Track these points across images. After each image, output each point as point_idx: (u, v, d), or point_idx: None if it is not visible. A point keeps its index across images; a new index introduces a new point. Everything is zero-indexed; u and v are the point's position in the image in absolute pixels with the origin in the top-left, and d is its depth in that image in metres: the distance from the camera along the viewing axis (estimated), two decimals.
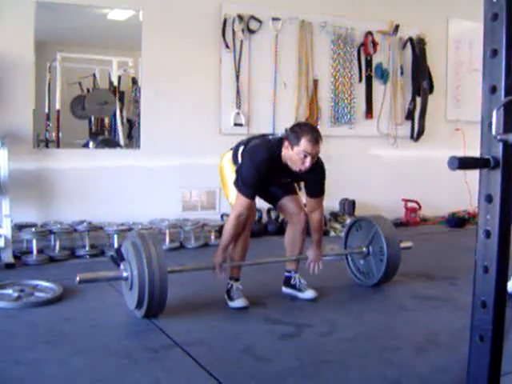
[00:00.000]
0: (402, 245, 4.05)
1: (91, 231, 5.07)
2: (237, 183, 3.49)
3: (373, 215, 4.20)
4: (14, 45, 5.09)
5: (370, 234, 3.99)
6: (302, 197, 3.96)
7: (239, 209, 3.45)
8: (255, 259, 4.01)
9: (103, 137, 6.00)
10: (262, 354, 2.85)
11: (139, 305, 3.19)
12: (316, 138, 3.36)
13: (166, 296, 3.18)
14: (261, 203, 4.16)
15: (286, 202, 3.76)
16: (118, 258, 3.26)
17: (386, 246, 3.85)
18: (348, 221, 6.16)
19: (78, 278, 3.20)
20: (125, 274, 3.25)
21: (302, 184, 3.92)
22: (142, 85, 5.76)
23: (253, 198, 3.48)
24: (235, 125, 6.01)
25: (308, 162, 3.35)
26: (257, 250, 4.96)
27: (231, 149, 3.73)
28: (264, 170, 3.43)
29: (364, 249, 4.03)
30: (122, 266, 3.26)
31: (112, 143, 6.01)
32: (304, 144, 3.32)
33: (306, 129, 3.42)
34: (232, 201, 3.60)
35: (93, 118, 6.00)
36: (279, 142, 3.50)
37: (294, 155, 3.36)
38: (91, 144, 5.86)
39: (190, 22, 5.83)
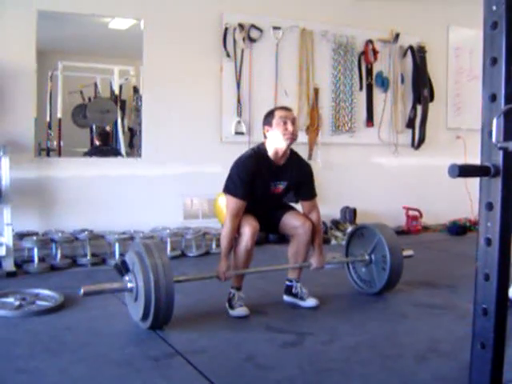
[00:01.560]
0: (404, 253, 4.03)
1: (92, 240, 5.07)
2: (226, 187, 3.55)
3: (375, 223, 4.18)
4: (16, 53, 5.11)
5: (372, 242, 3.98)
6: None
7: (232, 211, 3.48)
8: (258, 267, 4.00)
9: (104, 146, 6.03)
10: (264, 362, 2.84)
11: (145, 317, 3.16)
12: (286, 107, 3.67)
13: (172, 307, 3.15)
14: None
15: (287, 219, 3.75)
16: (123, 269, 3.24)
17: (388, 255, 3.84)
18: (349, 229, 6.17)
19: (82, 291, 3.17)
20: (130, 285, 3.21)
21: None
22: (143, 93, 5.78)
23: (244, 198, 3.49)
24: (236, 133, 6.02)
25: (289, 125, 3.51)
26: (258, 258, 4.95)
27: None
28: (251, 165, 3.51)
29: (366, 257, 4.01)
30: (126, 277, 3.24)
31: (113, 152, 6.03)
32: (277, 113, 3.57)
33: (274, 107, 3.78)
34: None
35: (94, 127, 6.02)
36: (261, 143, 3.68)
37: (276, 130, 3.53)
38: (92, 153, 5.89)
39: (191, 31, 5.85)
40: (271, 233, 3.92)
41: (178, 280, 3.34)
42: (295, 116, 3.62)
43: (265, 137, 3.63)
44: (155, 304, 3.07)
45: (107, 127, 6.15)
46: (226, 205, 3.55)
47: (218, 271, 3.55)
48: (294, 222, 3.74)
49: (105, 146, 6.04)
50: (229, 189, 3.52)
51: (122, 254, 3.41)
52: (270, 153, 3.58)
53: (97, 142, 6.03)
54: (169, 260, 3.14)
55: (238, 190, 3.48)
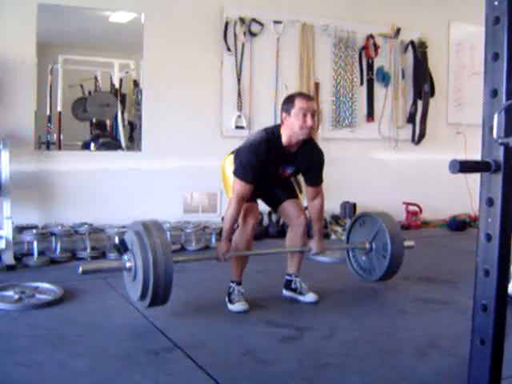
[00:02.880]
0: (405, 243, 4.02)
1: (92, 233, 5.07)
2: (235, 171, 3.48)
3: (377, 212, 4.15)
4: (16, 47, 5.10)
5: (373, 230, 3.95)
6: (303, 200, 3.96)
7: (239, 195, 3.43)
8: (258, 250, 3.96)
9: (104, 139, 6.01)
10: (263, 356, 2.84)
11: (143, 296, 3.13)
12: (308, 95, 3.59)
13: (170, 287, 3.12)
14: (261, 206, 4.17)
15: (287, 205, 3.76)
16: (122, 248, 3.21)
17: (389, 243, 3.81)
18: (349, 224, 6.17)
19: (80, 269, 3.16)
20: (128, 265, 3.19)
21: (302, 182, 3.91)
22: (143, 87, 5.77)
23: (252, 183, 3.45)
24: (236, 127, 6.02)
25: (309, 119, 3.40)
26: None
27: (232, 152, 3.73)
28: (263, 151, 3.43)
29: (367, 245, 3.99)
30: (125, 257, 3.22)
31: (112, 141, 6.02)
32: (298, 102, 3.42)
33: (296, 92, 3.62)
34: None
35: (94, 120, 6.00)
36: (277, 125, 3.58)
37: (294, 120, 3.42)
38: (92, 146, 5.87)
39: (192, 25, 5.84)
40: (271, 207, 3.89)
41: (177, 260, 3.30)
42: (316, 108, 3.51)
43: (281, 121, 3.52)
44: (153, 283, 3.04)
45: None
46: (233, 187, 3.49)
47: (218, 252, 3.53)
48: (290, 212, 3.75)
49: (103, 136, 6.01)
50: (238, 173, 3.45)
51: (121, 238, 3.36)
52: (284, 139, 3.49)
53: (95, 131, 6.00)
54: (168, 239, 3.11)
55: (248, 176, 3.42)
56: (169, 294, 3.15)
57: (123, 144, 5.97)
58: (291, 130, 3.45)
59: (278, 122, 3.65)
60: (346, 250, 4.19)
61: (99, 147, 5.87)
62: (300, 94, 3.57)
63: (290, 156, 3.56)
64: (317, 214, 3.77)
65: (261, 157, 3.42)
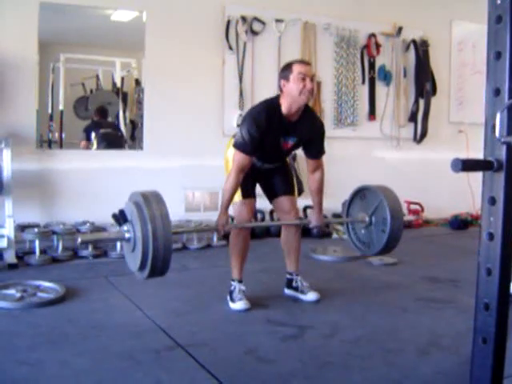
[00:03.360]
0: (405, 219, 3.94)
1: (94, 232, 5.07)
2: (236, 143, 3.48)
3: (378, 185, 4.01)
4: (18, 45, 5.11)
5: (373, 204, 3.87)
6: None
7: (238, 166, 3.43)
8: (257, 223, 3.91)
9: (105, 129, 6.02)
10: (265, 355, 2.84)
11: (142, 266, 3.06)
12: (305, 61, 3.57)
13: (170, 258, 3.06)
14: (264, 205, 4.17)
15: (282, 199, 3.77)
16: (121, 219, 3.19)
17: (389, 218, 3.73)
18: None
19: (79, 239, 3.11)
20: (127, 236, 3.12)
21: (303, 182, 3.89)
22: (145, 86, 5.77)
23: (252, 153, 3.45)
24: (238, 126, 6.00)
25: (308, 83, 3.40)
26: (259, 251, 4.98)
27: (234, 136, 3.72)
28: (263, 121, 3.42)
29: (367, 218, 3.93)
30: (124, 228, 3.15)
31: (112, 127, 6.02)
32: (296, 67, 3.42)
33: (294, 59, 3.60)
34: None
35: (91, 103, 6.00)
36: (276, 96, 3.57)
37: (293, 85, 3.40)
38: (93, 136, 5.88)
39: (194, 24, 5.84)
40: (268, 198, 3.87)
41: (176, 231, 3.24)
42: (314, 72, 3.51)
43: (280, 90, 3.51)
44: (153, 254, 2.99)
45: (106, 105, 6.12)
46: (233, 158, 3.48)
47: (218, 224, 3.49)
48: (283, 206, 3.77)
49: (103, 121, 6.01)
50: (237, 144, 3.45)
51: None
52: (284, 108, 3.47)
53: (95, 118, 5.99)
54: (167, 211, 3.08)
55: (247, 146, 3.42)
56: (168, 265, 3.08)
57: (124, 133, 5.97)
58: (291, 97, 3.44)
59: None
60: (346, 223, 4.12)
61: (97, 129, 5.89)
62: (297, 60, 3.56)
63: (291, 126, 3.53)
64: (317, 187, 3.77)
65: (261, 127, 3.41)
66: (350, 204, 4.06)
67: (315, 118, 3.73)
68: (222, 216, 3.49)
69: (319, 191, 3.79)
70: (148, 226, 2.96)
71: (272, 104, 3.51)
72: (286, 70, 3.48)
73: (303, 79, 3.39)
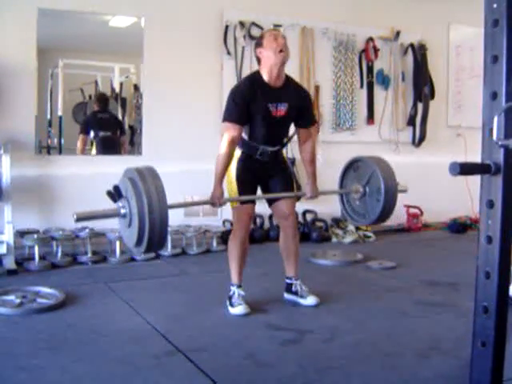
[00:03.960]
0: (399, 188, 3.92)
1: (93, 237, 5.07)
2: (223, 117, 3.54)
3: (370, 156, 4.01)
4: (17, 51, 5.11)
5: (367, 174, 3.84)
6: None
7: (228, 137, 3.47)
8: (255, 196, 3.86)
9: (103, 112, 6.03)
10: (264, 360, 2.84)
11: (139, 242, 3.04)
12: (274, 28, 3.85)
13: (166, 232, 3.07)
14: (262, 209, 4.17)
15: (281, 203, 3.76)
16: (116, 195, 3.17)
17: (383, 186, 3.69)
18: (349, 227, 6.17)
19: (75, 216, 3.12)
20: (123, 211, 3.10)
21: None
22: (143, 91, 5.78)
23: (238, 122, 3.48)
24: None
25: (280, 41, 3.53)
26: (259, 255, 4.98)
27: None
28: (245, 90, 3.52)
29: (361, 189, 3.86)
30: (120, 203, 3.13)
31: (112, 119, 6.03)
32: (267, 33, 3.63)
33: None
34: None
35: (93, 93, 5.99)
36: (255, 71, 3.69)
37: (268, 49, 3.52)
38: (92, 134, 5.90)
39: (192, 29, 5.84)
40: (267, 202, 3.87)
41: (171, 206, 3.22)
42: (283, 36, 3.60)
43: (258, 62, 3.62)
44: (149, 228, 2.97)
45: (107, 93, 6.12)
46: (222, 132, 3.54)
47: (213, 197, 3.50)
48: (281, 211, 3.76)
49: (103, 113, 5.99)
50: (224, 117, 3.52)
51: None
52: (265, 75, 3.56)
53: (95, 107, 5.97)
54: (162, 185, 3.06)
55: (232, 115, 3.48)
56: (164, 239, 3.09)
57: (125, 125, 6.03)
58: (268, 60, 3.53)
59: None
60: (340, 194, 4.08)
61: (97, 122, 5.91)
62: (267, 30, 3.85)
63: (277, 92, 3.57)
64: (309, 157, 3.78)
65: (244, 94, 3.50)
66: (343, 176, 4.01)
67: (299, 85, 3.81)
68: (216, 189, 3.50)
69: (312, 161, 3.80)
70: (144, 200, 2.93)
71: (253, 75, 3.66)
72: (258, 40, 3.64)
73: (275, 39, 3.52)
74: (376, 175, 3.75)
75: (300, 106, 3.67)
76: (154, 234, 2.99)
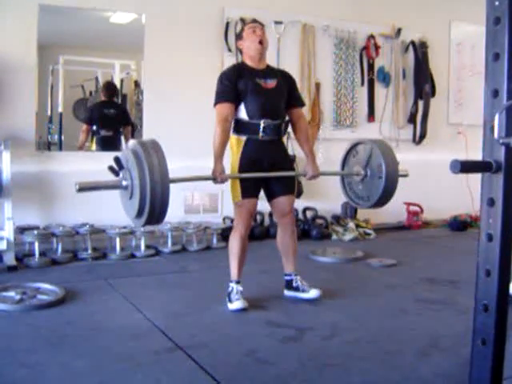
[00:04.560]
0: (400, 173, 3.90)
1: (93, 234, 5.08)
2: (214, 101, 3.72)
3: (370, 138, 3.99)
4: (17, 48, 5.11)
5: (366, 155, 3.83)
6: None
7: (219, 117, 3.63)
8: (253, 173, 3.82)
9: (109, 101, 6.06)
10: (264, 357, 2.84)
11: (139, 214, 3.05)
12: (253, 19, 3.99)
13: (167, 205, 3.04)
14: (262, 207, 4.17)
15: (280, 200, 3.75)
16: (118, 166, 3.16)
17: (383, 163, 3.68)
18: (350, 224, 6.17)
19: (77, 187, 3.11)
20: (124, 183, 3.10)
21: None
22: (144, 88, 5.78)
23: (228, 100, 3.62)
24: None
25: (258, 32, 3.69)
26: (259, 252, 4.98)
27: None
28: (231, 73, 3.68)
29: (362, 171, 3.83)
30: (121, 175, 3.13)
31: (119, 110, 6.05)
32: (246, 26, 3.81)
33: None
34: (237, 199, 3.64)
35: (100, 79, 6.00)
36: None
37: (247, 39, 3.71)
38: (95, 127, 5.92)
39: (193, 26, 5.84)
40: (267, 198, 3.86)
41: (173, 180, 3.21)
42: (262, 27, 3.77)
43: (241, 53, 3.84)
44: (150, 201, 2.96)
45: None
46: (215, 115, 3.68)
47: (214, 173, 3.52)
48: (280, 208, 3.77)
49: (109, 108, 6.00)
50: (215, 100, 3.69)
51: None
52: (249, 62, 3.73)
53: (102, 97, 5.96)
54: (164, 157, 3.05)
55: (220, 94, 3.65)
56: (165, 213, 3.06)
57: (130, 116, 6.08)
58: (249, 49, 3.71)
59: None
60: (341, 177, 4.05)
61: (102, 111, 5.93)
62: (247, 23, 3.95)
63: (262, 71, 3.73)
64: (304, 135, 3.83)
65: (229, 75, 3.67)
66: (344, 163, 3.99)
67: (281, 69, 4.11)
68: (217, 165, 3.54)
69: (306, 139, 3.85)
70: (146, 171, 2.93)
71: (237, 63, 3.90)
72: (239, 33, 3.86)
73: (254, 31, 3.69)
74: (375, 153, 3.74)
75: (288, 86, 3.80)
76: (155, 206, 2.99)
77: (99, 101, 5.95)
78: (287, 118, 3.79)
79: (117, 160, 3.14)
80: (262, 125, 3.61)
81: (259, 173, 3.68)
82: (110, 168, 3.17)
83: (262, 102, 3.63)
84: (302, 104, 3.91)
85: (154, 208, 2.99)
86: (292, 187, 3.81)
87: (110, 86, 5.99)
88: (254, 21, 3.85)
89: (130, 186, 3.06)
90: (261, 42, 3.68)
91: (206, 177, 3.59)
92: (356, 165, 3.91)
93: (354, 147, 3.94)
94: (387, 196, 3.80)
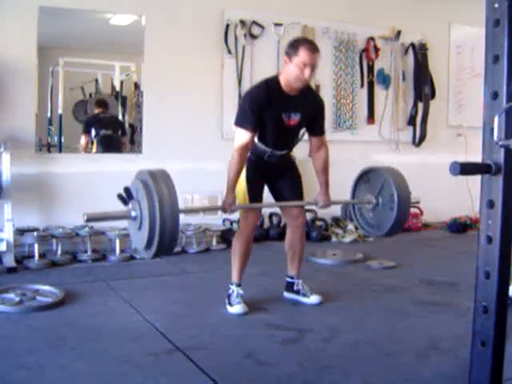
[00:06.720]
0: (412, 200, 3.88)
1: (93, 235, 5.07)
2: (236, 120, 3.48)
3: (381, 166, 3.97)
4: (17, 49, 5.11)
5: (379, 184, 3.80)
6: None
7: (241, 144, 3.41)
8: (264, 203, 3.83)
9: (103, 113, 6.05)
10: (264, 358, 2.84)
11: (148, 246, 3.02)
12: (314, 47, 3.44)
13: (177, 237, 3.03)
14: (263, 208, 4.16)
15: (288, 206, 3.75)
16: (127, 197, 3.15)
17: (396, 193, 3.66)
18: (349, 226, 6.17)
19: (85, 217, 3.08)
20: (133, 214, 3.08)
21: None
22: (144, 90, 5.78)
23: (253, 130, 3.43)
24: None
25: (307, 71, 3.38)
26: (259, 255, 4.97)
27: None
28: (263, 95, 3.44)
29: (373, 200, 3.81)
30: (130, 205, 3.10)
31: (113, 120, 6.05)
32: (302, 52, 3.37)
33: (304, 40, 3.60)
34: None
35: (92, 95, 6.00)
36: (275, 75, 3.59)
37: (293, 68, 3.39)
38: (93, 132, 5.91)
39: (193, 27, 5.84)
40: (274, 200, 3.83)
41: (183, 210, 3.17)
42: (317, 60, 3.43)
43: (284, 63, 3.51)
44: (160, 233, 2.93)
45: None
46: (236, 137, 3.47)
47: (225, 203, 3.46)
48: (291, 211, 3.74)
49: (104, 113, 6.01)
50: (238, 121, 3.46)
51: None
52: (283, 84, 3.49)
53: (95, 110, 5.97)
54: (174, 188, 3.03)
55: (247, 122, 3.42)
56: (174, 245, 3.03)
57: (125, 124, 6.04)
58: (288, 77, 3.46)
59: None
60: (352, 205, 4.04)
61: (98, 123, 5.91)
62: (306, 43, 3.45)
63: (292, 100, 3.52)
64: (322, 165, 3.73)
65: (261, 100, 3.42)
66: (355, 189, 3.97)
67: (315, 94, 3.79)
68: (228, 195, 3.46)
69: (325, 170, 3.75)
70: (155, 203, 2.90)
71: (271, 79, 3.54)
72: (293, 48, 3.43)
73: (304, 66, 3.37)
74: (388, 183, 3.71)
75: (314, 115, 3.65)
76: (165, 238, 2.95)
77: (94, 113, 5.98)
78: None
79: (127, 190, 3.14)
80: (268, 153, 3.59)
81: (269, 203, 3.63)
82: (120, 197, 3.15)
83: (276, 136, 3.57)
84: (323, 132, 3.77)
85: (163, 240, 2.95)
86: (300, 190, 3.80)
87: (101, 102, 6.02)
88: (312, 50, 3.40)
89: (139, 217, 3.03)
90: (303, 84, 3.46)
91: (217, 207, 3.55)
92: (367, 192, 3.90)
93: (365, 174, 3.92)
94: (398, 226, 3.79)
